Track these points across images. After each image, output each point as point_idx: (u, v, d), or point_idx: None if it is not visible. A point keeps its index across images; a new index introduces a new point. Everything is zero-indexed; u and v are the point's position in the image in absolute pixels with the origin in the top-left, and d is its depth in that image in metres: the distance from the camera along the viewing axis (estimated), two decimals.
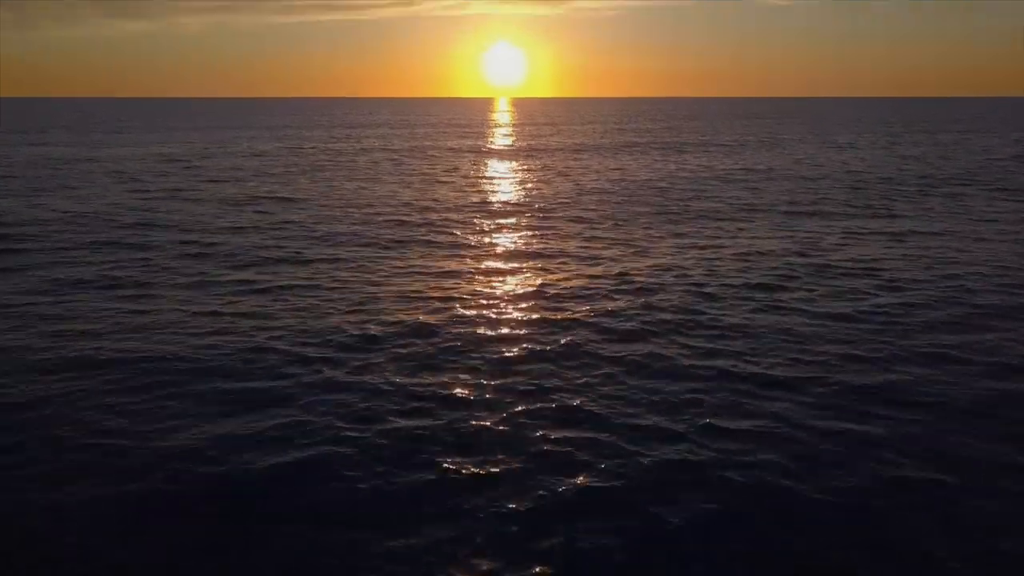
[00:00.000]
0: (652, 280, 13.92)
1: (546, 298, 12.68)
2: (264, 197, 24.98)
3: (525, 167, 36.47)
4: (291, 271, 14.62)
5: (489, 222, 20.27)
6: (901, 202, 24.06)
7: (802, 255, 16.15)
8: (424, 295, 12.84)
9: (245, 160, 39.78)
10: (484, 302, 12.45)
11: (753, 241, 17.69)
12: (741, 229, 19.28)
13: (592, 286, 13.44)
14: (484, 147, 51.62)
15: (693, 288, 13.26)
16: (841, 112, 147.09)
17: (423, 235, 18.35)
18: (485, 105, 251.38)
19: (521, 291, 13.15)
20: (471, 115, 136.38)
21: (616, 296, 12.81)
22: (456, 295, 12.83)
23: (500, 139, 61.92)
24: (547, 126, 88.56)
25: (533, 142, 57.12)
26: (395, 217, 21.13)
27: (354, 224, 19.92)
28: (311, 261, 15.51)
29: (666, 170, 34.56)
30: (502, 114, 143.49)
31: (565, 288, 13.27)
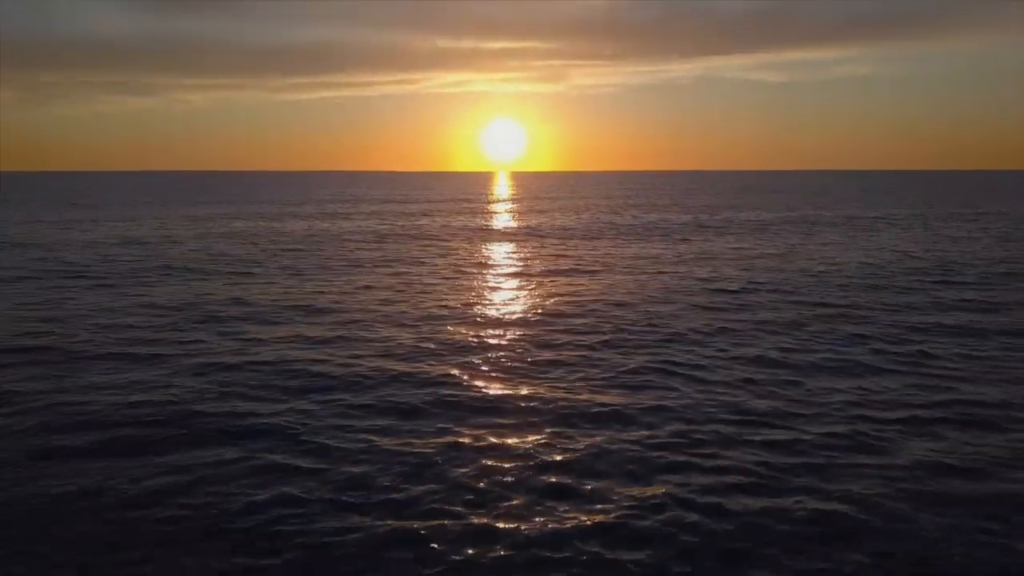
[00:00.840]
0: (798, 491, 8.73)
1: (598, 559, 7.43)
2: (203, 299, 19.97)
3: (533, 257, 31.69)
4: (174, 475, 9.39)
5: (487, 360, 13.94)
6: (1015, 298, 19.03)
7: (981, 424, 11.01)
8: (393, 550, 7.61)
9: (212, 242, 35.08)
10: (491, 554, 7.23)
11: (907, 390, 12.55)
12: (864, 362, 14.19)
13: (674, 522, 8.23)
14: (483, 227, 47.15)
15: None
16: (845, 185, 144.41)
17: (394, 375, 13.19)
18: (485, 179, 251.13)
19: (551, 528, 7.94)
20: (470, 189, 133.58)
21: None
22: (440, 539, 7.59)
23: (501, 218, 57.58)
24: (549, 200, 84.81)
25: (538, 220, 52.76)
26: (357, 348, 15.98)
27: (298, 355, 14.79)
28: (208, 447, 10.32)
29: (698, 258, 29.76)
30: (502, 189, 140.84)
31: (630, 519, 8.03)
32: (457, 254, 30.70)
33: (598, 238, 37.79)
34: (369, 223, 48.22)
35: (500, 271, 25.58)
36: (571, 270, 25.48)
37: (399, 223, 48.50)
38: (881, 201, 77.35)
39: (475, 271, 25.57)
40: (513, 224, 48.15)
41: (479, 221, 51.15)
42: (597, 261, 27.91)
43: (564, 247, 33.27)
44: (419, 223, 48.72)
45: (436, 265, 27.12)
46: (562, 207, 71.24)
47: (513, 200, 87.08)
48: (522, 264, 27.37)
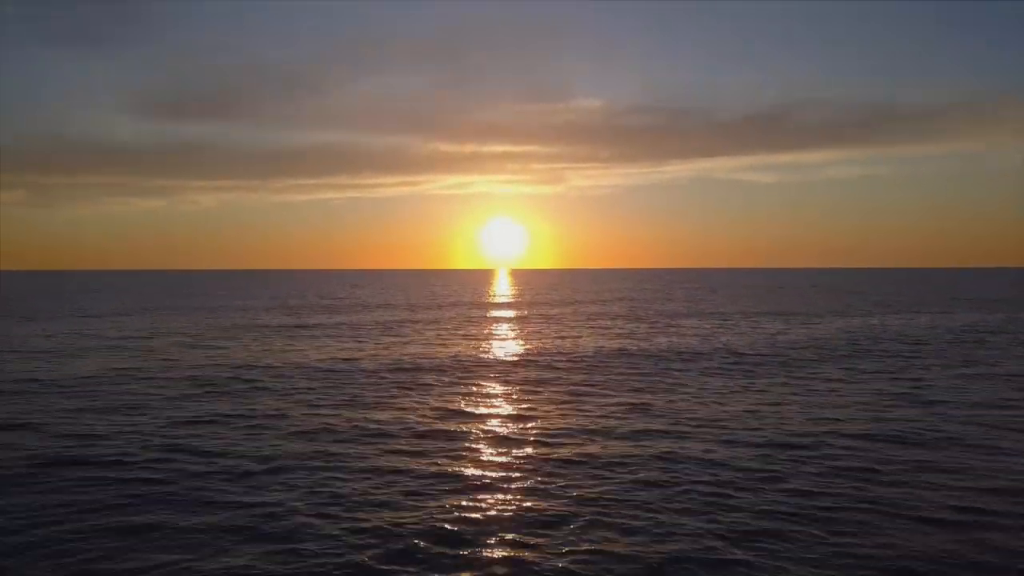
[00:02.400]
0: None
1: None
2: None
3: (552, 410, 21.08)
4: None
5: None
6: None
7: None
8: None
9: (109, 370, 24.42)
10: None
11: None
12: None
13: None
14: (479, 354, 36.59)
15: None
16: (867, 283, 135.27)
17: None
18: (485, 277, 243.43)
19: None
20: (470, 289, 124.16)
21: None
22: None
23: (502, 332, 47.00)
24: (557, 305, 74.86)
25: (550, 338, 42.16)
26: None
27: None
28: None
29: (868, 433, 19.11)
30: (503, 287, 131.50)
31: None
32: (435, 410, 20.03)
33: (642, 373, 27.21)
34: (332, 345, 37.68)
35: (510, 470, 14.85)
36: (634, 461, 14.70)
37: (372, 343, 37.97)
38: (947, 302, 67.15)
39: (456, 456, 14.86)
40: (520, 348, 37.47)
41: (475, 336, 40.57)
42: (667, 420, 17.17)
43: (601, 393, 22.60)
44: (398, 342, 38.21)
45: (392, 440, 16.41)
46: (573, 313, 61.08)
47: (516, 305, 77.12)
48: (543, 452, 16.66)
